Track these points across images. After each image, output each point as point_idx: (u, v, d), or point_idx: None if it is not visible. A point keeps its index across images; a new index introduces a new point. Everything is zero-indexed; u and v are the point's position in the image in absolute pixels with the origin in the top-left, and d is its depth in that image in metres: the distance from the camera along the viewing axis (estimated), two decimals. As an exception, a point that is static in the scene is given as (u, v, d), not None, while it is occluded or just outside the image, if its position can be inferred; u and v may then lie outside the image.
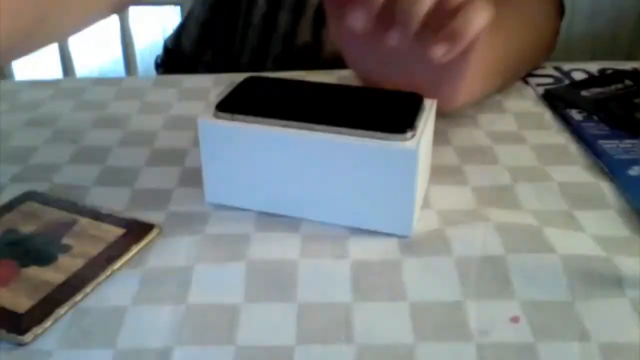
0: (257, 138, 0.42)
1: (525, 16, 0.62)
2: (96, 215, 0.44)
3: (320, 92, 0.46)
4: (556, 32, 0.70)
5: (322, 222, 0.43)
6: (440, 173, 0.49)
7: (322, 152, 0.41)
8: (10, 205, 0.45)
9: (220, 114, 0.42)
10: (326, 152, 0.41)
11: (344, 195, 0.42)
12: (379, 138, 0.39)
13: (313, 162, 0.41)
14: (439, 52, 0.43)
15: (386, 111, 0.42)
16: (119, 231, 0.42)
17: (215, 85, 0.65)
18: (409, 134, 0.39)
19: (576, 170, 0.49)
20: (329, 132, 0.40)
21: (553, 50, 0.71)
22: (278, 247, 0.41)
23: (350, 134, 0.40)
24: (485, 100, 0.61)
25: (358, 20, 0.43)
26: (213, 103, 0.43)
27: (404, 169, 0.40)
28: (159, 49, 0.91)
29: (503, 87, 0.62)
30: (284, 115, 0.41)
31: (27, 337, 0.35)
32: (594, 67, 0.68)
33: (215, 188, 0.45)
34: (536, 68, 0.68)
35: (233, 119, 0.42)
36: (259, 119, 0.42)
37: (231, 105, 0.43)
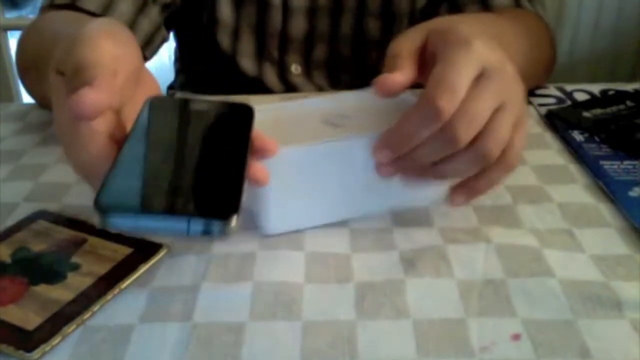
0: (323, 153, 0.43)
1: (530, 35, 0.64)
2: (105, 235, 0.45)
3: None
4: (554, 53, 0.72)
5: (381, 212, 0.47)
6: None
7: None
8: (22, 224, 0.46)
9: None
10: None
11: (391, 182, 0.44)
12: None
13: (367, 160, 0.43)
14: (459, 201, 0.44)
15: None
16: (127, 250, 0.43)
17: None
18: None
19: (576, 191, 0.50)
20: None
21: (552, 70, 0.72)
22: (283, 266, 0.42)
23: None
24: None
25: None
26: None
27: None
28: (166, 71, 0.92)
29: None
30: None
31: (36, 354, 0.35)
32: (596, 88, 0.69)
33: (278, 217, 0.45)
34: (536, 87, 0.69)
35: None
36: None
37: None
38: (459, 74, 0.39)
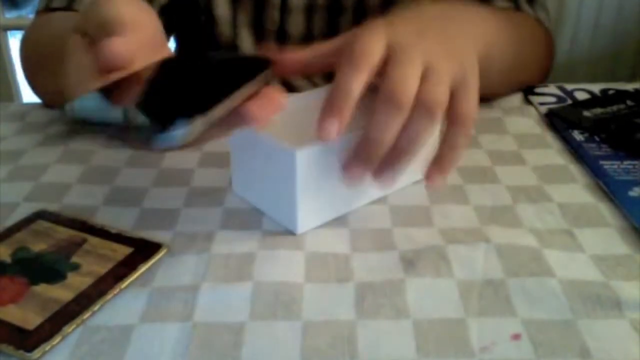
0: (342, 146, 0.44)
1: (519, 29, 0.64)
2: (105, 235, 0.45)
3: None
4: (550, 55, 0.72)
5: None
6: (442, 192, 0.50)
7: None
8: (22, 224, 0.46)
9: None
10: None
11: None
12: None
13: None
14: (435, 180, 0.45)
15: None
16: (127, 250, 0.43)
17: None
18: None
19: (576, 190, 0.50)
20: None
21: (548, 73, 0.72)
22: (283, 266, 0.42)
23: None
24: (486, 120, 0.61)
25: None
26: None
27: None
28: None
29: (497, 91, 0.64)
30: None
31: (36, 353, 0.35)
32: (596, 87, 0.69)
33: (305, 215, 0.45)
34: (531, 84, 0.69)
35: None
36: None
37: None
38: (365, 43, 0.42)
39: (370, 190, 0.48)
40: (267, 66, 0.38)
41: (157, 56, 0.39)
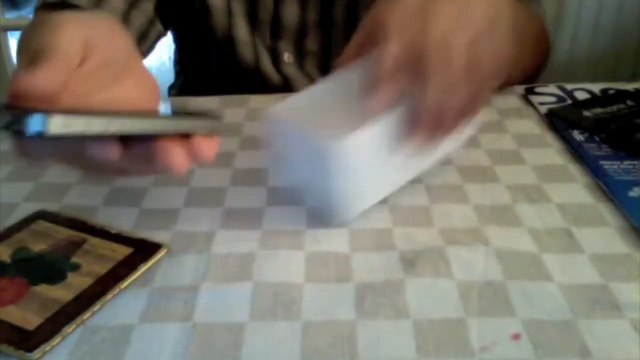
0: (384, 130, 0.44)
1: (520, 10, 0.64)
2: (105, 235, 0.45)
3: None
4: (545, 50, 0.72)
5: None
6: (442, 191, 0.50)
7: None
8: (22, 224, 0.46)
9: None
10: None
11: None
12: None
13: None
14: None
15: None
16: (127, 250, 0.43)
17: (222, 105, 0.66)
18: None
19: (576, 190, 0.50)
20: None
21: (542, 67, 0.72)
22: (283, 266, 0.42)
23: None
24: (486, 120, 0.61)
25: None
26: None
27: None
28: (166, 71, 0.92)
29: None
30: None
31: (36, 354, 0.35)
32: (596, 87, 0.69)
33: (351, 203, 0.45)
34: (527, 77, 0.69)
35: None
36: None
37: None
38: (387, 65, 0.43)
39: (406, 169, 0.48)
40: (212, 119, 0.38)
41: (128, 85, 0.39)
